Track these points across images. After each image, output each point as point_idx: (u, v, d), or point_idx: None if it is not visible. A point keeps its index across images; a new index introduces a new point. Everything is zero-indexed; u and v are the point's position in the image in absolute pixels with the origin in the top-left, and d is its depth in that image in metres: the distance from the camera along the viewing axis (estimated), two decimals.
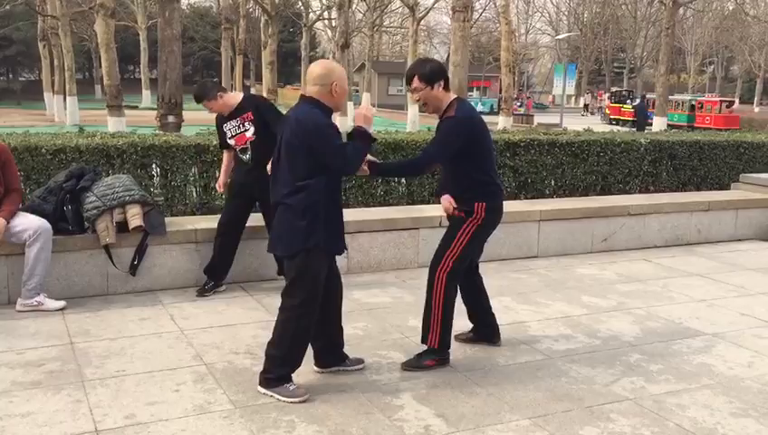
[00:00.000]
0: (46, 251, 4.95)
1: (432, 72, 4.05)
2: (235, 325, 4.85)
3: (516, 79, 50.99)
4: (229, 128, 5.45)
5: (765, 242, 8.11)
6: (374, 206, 7.46)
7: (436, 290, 4.13)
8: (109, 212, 5.26)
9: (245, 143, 5.37)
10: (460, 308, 4.39)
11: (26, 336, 4.54)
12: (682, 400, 3.86)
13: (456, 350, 4.38)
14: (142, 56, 44.33)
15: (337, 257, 3.95)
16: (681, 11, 40.93)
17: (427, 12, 34.84)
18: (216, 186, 5.84)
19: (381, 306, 5.35)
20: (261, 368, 3.81)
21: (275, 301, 3.84)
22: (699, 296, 5.86)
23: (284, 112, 4.11)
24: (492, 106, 44.54)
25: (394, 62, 58.13)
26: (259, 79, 41.79)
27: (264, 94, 24.53)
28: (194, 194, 7.02)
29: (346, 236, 3.95)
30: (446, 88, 4.11)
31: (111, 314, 5.01)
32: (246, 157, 5.40)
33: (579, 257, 7.06)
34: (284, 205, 3.68)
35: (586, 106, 53.29)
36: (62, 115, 27.58)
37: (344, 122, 19.42)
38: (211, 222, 5.97)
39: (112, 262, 5.33)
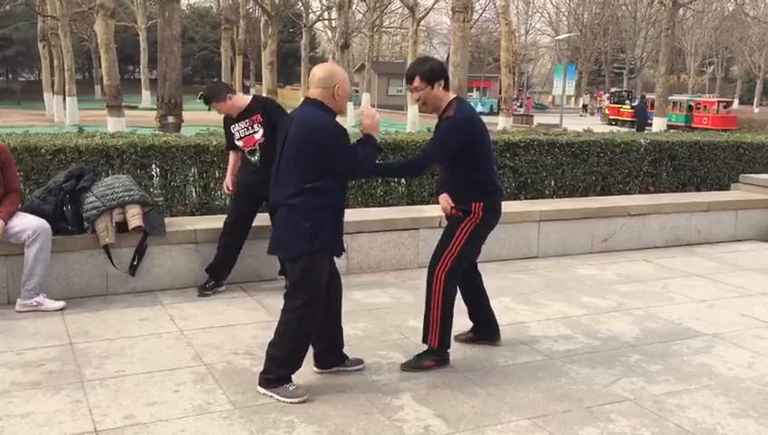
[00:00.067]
0: (45, 251, 4.95)
1: (432, 72, 4.05)
2: (235, 326, 4.85)
3: (516, 79, 51.00)
4: (237, 129, 5.45)
5: (765, 242, 8.10)
6: (374, 206, 7.46)
7: (435, 290, 4.13)
8: (108, 212, 5.26)
9: (254, 145, 5.38)
10: (460, 307, 4.39)
11: (26, 336, 4.54)
12: (682, 400, 3.86)
13: (456, 350, 4.38)
14: (142, 56, 44.35)
15: (336, 258, 3.94)
16: (681, 11, 40.96)
17: (427, 12, 34.85)
18: (224, 186, 5.84)
19: (381, 307, 5.35)
20: (261, 368, 3.81)
21: (275, 301, 3.84)
22: (699, 297, 5.86)
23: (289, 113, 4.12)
24: (492, 106, 44.55)
25: (394, 63, 58.14)
26: (259, 79, 41.82)
27: (264, 94, 24.53)
28: (193, 194, 7.02)
29: (345, 236, 3.96)
30: (446, 88, 4.11)
31: (111, 315, 5.00)
32: (255, 158, 5.40)
33: (579, 258, 7.06)
34: (288, 206, 3.67)
35: (585, 107, 53.32)
36: (61, 115, 27.59)
37: (343, 123, 19.39)
38: (211, 222, 5.98)
39: (112, 262, 5.33)
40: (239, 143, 5.47)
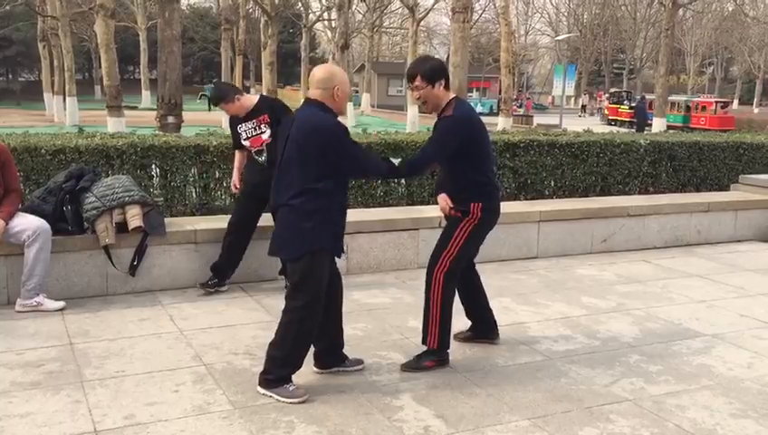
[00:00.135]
0: (45, 251, 4.95)
1: (434, 71, 4.05)
2: (235, 326, 4.85)
3: (516, 80, 51.00)
4: (244, 129, 5.46)
5: (765, 243, 8.11)
6: (374, 206, 7.46)
7: (434, 291, 4.13)
8: (108, 213, 5.26)
9: (262, 145, 5.38)
10: (458, 307, 4.38)
11: (26, 337, 4.54)
12: (681, 401, 3.86)
13: (456, 350, 4.38)
14: (142, 57, 44.35)
15: (336, 258, 3.95)
16: (681, 12, 40.97)
17: (427, 13, 34.89)
18: (231, 185, 5.85)
19: (381, 307, 5.35)
20: (260, 369, 3.81)
21: (275, 302, 3.84)
22: (699, 297, 5.86)
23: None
24: (491, 107, 44.55)
25: (394, 63, 58.16)
26: (259, 79, 41.82)
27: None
28: (193, 194, 7.02)
29: (345, 236, 3.96)
30: (447, 87, 4.12)
31: (111, 315, 5.00)
32: (262, 159, 5.41)
33: (578, 258, 7.06)
34: (289, 206, 3.67)
35: (584, 107, 53.32)
36: (61, 116, 27.59)
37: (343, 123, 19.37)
38: (211, 223, 5.98)
39: (112, 262, 5.33)
40: (246, 143, 5.48)
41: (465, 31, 12.12)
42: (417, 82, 4.05)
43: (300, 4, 43.56)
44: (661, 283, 6.27)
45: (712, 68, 63.73)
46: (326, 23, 44.12)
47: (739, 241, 8.12)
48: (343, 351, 4.12)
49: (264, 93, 25.65)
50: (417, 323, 4.32)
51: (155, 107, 12.57)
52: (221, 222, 5.97)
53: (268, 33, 27.17)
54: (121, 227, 5.31)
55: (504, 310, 5.29)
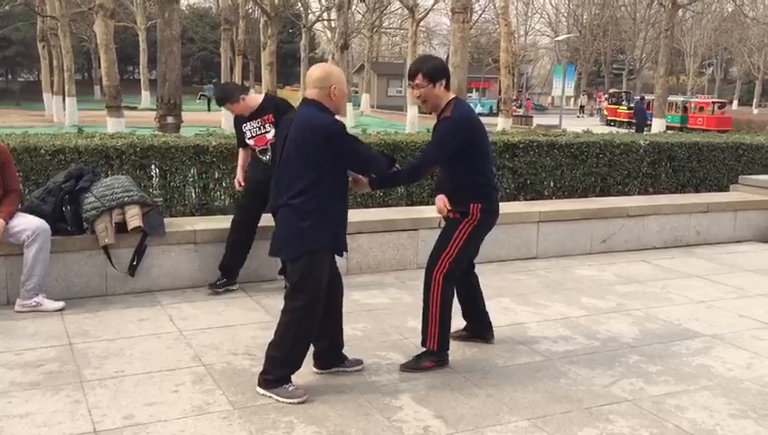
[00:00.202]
0: (45, 252, 4.95)
1: (436, 70, 4.06)
2: (234, 326, 4.85)
3: (515, 80, 51.02)
4: (249, 129, 5.48)
5: (764, 243, 8.11)
6: (373, 207, 7.46)
7: (433, 292, 4.12)
8: (108, 213, 5.26)
9: (266, 145, 5.40)
10: (455, 307, 4.38)
11: (25, 337, 4.54)
12: (681, 401, 3.86)
13: (455, 351, 4.38)
14: (141, 57, 44.33)
15: (336, 258, 3.95)
16: (680, 13, 40.98)
17: (427, 13, 34.90)
18: (235, 182, 5.86)
19: (380, 307, 5.35)
20: (260, 369, 3.81)
21: (275, 302, 3.84)
22: (698, 298, 5.87)
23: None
24: (491, 107, 44.58)
25: (393, 64, 58.17)
26: (258, 80, 41.82)
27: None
28: (193, 195, 7.01)
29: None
30: (447, 88, 4.12)
31: (110, 315, 5.00)
32: (266, 158, 5.43)
33: (578, 259, 7.06)
34: (289, 206, 3.66)
35: (582, 108, 53.34)
36: (60, 116, 27.59)
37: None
38: (210, 223, 5.98)
39: (111, 263, 5.33)
40: (250, 142, 5.51)
41: (465, 31, 12.13)
42: (419, 79, 4.05)
43: (299, 5, 43.55)
44: (661, 283, 6.27)
45: (711, 69, 63.78)
46: (326, 23, 44.12)
47: (738, 242, 8.13)
48: (343, 351, 4.12)
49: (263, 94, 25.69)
50: (417, 324, 4.32)
51: (154, 107, 12.57)
52: (220, 222, 5.98)
53: (268, 34, 27.17)
54: (121, 228, 5.31)
55: (504, 310, 5.29)
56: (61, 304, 5.07)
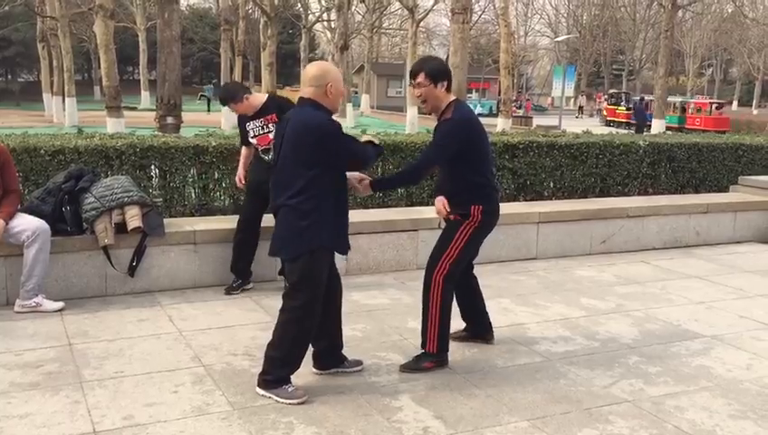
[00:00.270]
0: (45, 252, 4.95)
1: (438, 71, 4.07)
2: (234, 327, 4.85)
3: (515, 81, 51.02)
4: (252, 127, 5.50)
5: (764, 244, 8.11)
6: (373, 207, 7.46)
7: (433, 294, 4.12)
8: (107, 213, 5.26)
9: (268, 144, 5.40)
10: (455, 308, 4.38)
11: (24, 337, 4.54)
12: (680, 402, 3.86)
13: (455, 352, 4.38)
14: (141, 57, 44.31)
15: (336, 259, 3.95)
16: (680, 13, 40.99)
17: (427, 14, 34.89)
18: (236, 179, 5.86)
19: (380, 308, 5.35)
20: (259, 369, 3.81)
21: (274, 302, 3.84)
22: (698, 298, 5.87)
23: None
24: (491, 108, 44.59)
25: (393, 64, 58.15)
26: (258, 80, 41.80)
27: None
28: (192, 195, 7.02)
29: None
30: (448, 90, 4.13)
31: (110, 316, 5.00)
32: (268, 157, 5.43)
33: (577, 259, 7.06)
34: (288, 207, 3.67)
35: (581, 108, 53.34)
36: (60, 116, 27.58)
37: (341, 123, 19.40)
38: (210, 223, 5.98)
39: (111, 263, 5.33)
40: (253, 141, 5.53)
41: (465, 32, 12.13)
42: (421, 79, 4.06)
43: (299, 5, 43.56)
44: (660, 284, 6.27)
45: (711, 69, 63.82)
46: (325, 23, 44.10)
47: (738, 242, 8.13)
48: (342, 352, 4.12)
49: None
50: (416, 324, 4.32)
51: (154, 108, 12.57)
52: (220, 223, 5.98)
53: (267, 34, 27.17)
54: (120, 228, 5.31)
55: (503, 311, 5.29)
56: (60, 304, 5.07)
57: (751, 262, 7.23)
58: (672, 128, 29.95)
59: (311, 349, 3.93)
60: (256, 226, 5.58)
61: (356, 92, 45.79)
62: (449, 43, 16.69)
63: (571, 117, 46.11)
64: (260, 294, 5.57)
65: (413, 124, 24.52)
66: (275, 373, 3.73)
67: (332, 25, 35.63)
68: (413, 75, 4.11)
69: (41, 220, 5.00)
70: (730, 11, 51.34)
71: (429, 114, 4.28)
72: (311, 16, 42.72)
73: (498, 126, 21.78)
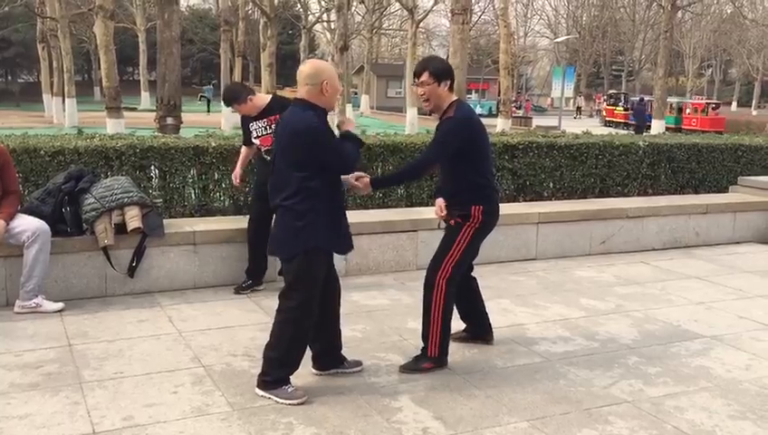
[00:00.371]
0: (44, 253, 4.95)
1: (442, 70, 4.08)
2: (234, 327, 4.85)
3: (515, 81, 51.02)
4: (255, 128, 5.51)
5: (763, 245, 8.11)
6: (373, 208, 7.46)
7: (436, 298, 4.11)
8: (107, 214, 5.26)
9: (271, 145, 5.40)
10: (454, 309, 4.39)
11: (24, 338, 4.54)
12: (680, 402, 3.86)
13: (455, 352, 4.38)
14: (141, 58, 44.35)
15: (336, 259, 3.95)
16: (679, 14, 40.97)
17: (426, 14, 34.87)
18: (233, 177, 5.87)
19: (380, 308, 5.35)
20: (259, 370, 3.81)
21: (274, 302, 3.84)
22: (697, 299, 5.87)
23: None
24: (490, 108, 44.61)
25: (393, 65, 58.18)
26: (258, 81, 41.78)
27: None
28: (192, 196, 7.01)
29: None
30: (451, 90, 4.14)
31: (109, 316, 5.00)
32: (271, 158, 5.44)
33: (577, 260, 7.06)
34: (284, 207, 3.68)
35: (579, 109, 53.34)
36: (60, 117, 27.58)
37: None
38: (210, 224, 5.98)
39: (111, 264, 5.33)
40: (256, 142, 5.53)
41: (465, 32, 12.14)
42: (425, 77, 4.06)
43: (299, 6, 43.58)
44: (660, 284, 6.28)
45: (710, 70, 63.85)
46: (325, 24, 44.08)
47: (738, 243, 8.13)
48: (342, 352, 4.12)
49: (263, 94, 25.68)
50: (416, 325, 4.32)
51: (154, 108, 12.57)
52: (220, 223, 5.99)
53: (267, 35, 27.16)
54: (120, 229, 5.31)
55: (503, 311, 5.29)
56: (60, 305, 5.07)
57: (750, 262, 7.24)
58: (669, 128, 30.04)
59: (310, 350, 3.93)
60: (265, 225, 5.56)
61: (356, 93, 45.82)
62: (449, 43, 16.70)
63: (571, 117, 46.11)
64: (260, 295, 5.57)
65: (413, 125, 24.54)
66: (274, 374, 3.73)
67: (332, 26, 35.60)
68: (417, 74, 4.12)
69: (41, 221, 5.00)
70: (729, 12, 51.41)
71: (431, 113, 4.30)
72: (310, 17, 42.72)
73: (498, 126, 21.79)
